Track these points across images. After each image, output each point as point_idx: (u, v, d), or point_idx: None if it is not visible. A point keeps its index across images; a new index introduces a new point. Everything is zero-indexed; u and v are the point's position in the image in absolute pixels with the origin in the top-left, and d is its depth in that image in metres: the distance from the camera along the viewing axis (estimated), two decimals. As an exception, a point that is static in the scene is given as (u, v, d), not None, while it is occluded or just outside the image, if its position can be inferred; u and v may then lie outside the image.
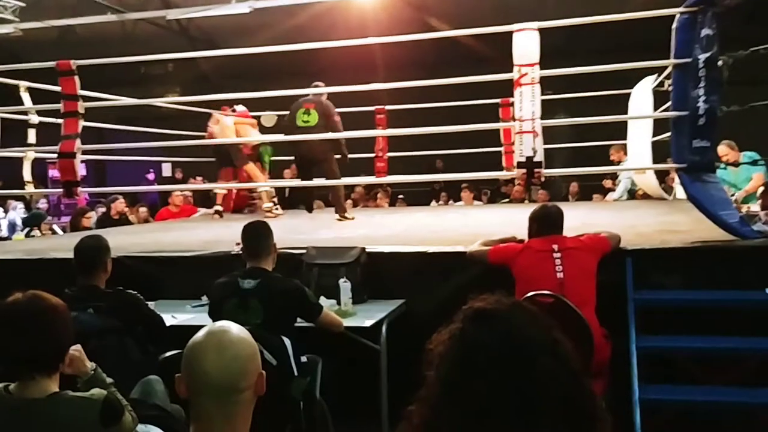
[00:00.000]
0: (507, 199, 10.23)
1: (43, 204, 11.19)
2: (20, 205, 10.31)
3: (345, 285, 3.77)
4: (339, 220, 6.86)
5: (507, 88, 4.57)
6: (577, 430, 1.29)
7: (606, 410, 1.36)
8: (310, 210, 7.71)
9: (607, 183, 10.00)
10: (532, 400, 1.27)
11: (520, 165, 4.36)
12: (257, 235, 3.36)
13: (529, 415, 1.26)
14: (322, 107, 6.76)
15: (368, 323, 3.56)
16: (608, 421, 1.34)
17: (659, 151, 6.29)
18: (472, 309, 1.37)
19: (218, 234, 5.56)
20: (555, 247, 3.53)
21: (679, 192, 6.54)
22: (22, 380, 1.99)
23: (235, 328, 1.59)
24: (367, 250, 4.18)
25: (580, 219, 5.40)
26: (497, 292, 1.40)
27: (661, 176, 8.09)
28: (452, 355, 1.35)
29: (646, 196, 8.45)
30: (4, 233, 8.53)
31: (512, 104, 4.77)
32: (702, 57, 3.94)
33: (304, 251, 4.22)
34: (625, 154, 8.28)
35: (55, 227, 9.44)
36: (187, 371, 1.53)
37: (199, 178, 11.77)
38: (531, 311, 1.39)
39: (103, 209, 9.46)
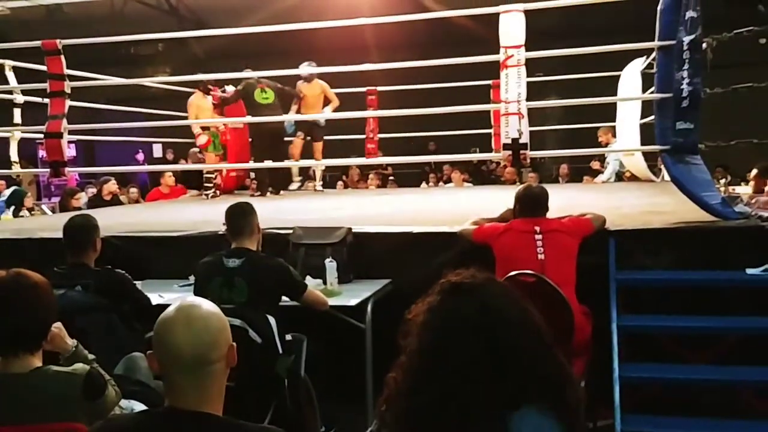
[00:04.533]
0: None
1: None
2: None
3: (331, 265, 3.80)
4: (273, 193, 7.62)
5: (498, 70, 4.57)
6: (547, 394, 1.35)
7: (577, 379, 1.43)
8: (264, 193, 7.67)
9: (595, 165, 10.05)
10: (504, 367, 1.33)
11: (505, 147, 4.39)
12: (240, 216, 3.37)
13: (502, 380, 1.33)
14: (275, 87, 7.50)
15: (354, 302, 3.59)
16: (577, 386, 1.40)
17: (648, 134, 6.33)
18: (449, 282, 1.43)
19: (206, 214, 5.58)
20: (537, 228, 3.56)
21: (667, 174, 6.58)
22: (5, 356, 2.02)
23: (205, 303, 1.62)
24: (353, 230, 4.20)
25: (567, 200, 5.44)
26: (471, 267, 1.45)
27: (651, 158, 8.13)
28: (430, 324, 1.42)
29: (633, 178, 8.49)
30: (-6, 213, 8.51)
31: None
32: (686, 39, 3.96)
33: (290, 231, 4.24)
34: (613, 136, 8.31)
35: (45, 207, 9.43)
36: (158, 346, 1.56)
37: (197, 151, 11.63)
38: (503, 285, 1.45)
39: (94, 190, 9.45)
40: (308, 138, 7.81)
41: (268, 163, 6.89)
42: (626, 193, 6.65)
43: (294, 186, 8.40)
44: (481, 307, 1.40)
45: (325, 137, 8.00)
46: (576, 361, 3.23)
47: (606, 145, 8.62)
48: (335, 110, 7.59)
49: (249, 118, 7.46)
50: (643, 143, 6.68)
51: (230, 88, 7.89)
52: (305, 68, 7.31)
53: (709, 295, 3.72)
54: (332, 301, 3.55)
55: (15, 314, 2.00)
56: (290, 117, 7.42)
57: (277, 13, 10.45)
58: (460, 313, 1.41)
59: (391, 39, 11.46)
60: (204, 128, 7.56)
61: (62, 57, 5.06)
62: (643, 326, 3.74)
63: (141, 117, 7.98)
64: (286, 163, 7.62)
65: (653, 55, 5.19)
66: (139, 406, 2.51)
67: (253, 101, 7.42)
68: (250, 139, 7.85)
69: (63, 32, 5.69)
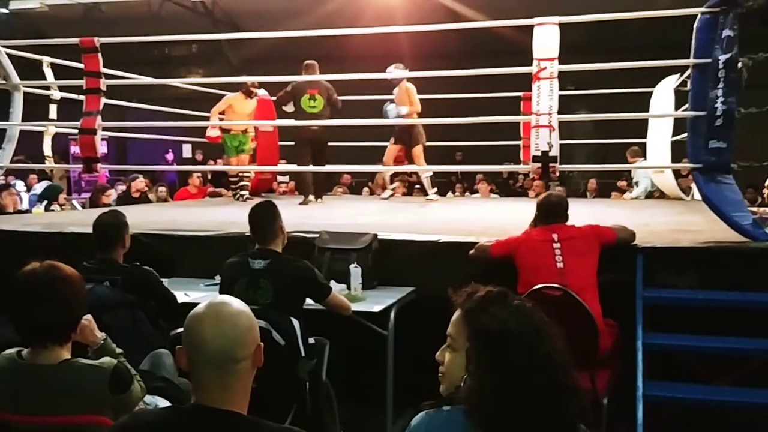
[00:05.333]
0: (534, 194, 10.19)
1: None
2: (46, 183, 10.40)
3: (356, 270, 3.81)
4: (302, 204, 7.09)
5: (530, 81, 4.55)
6: (552, 414, 1.34)
7: (583, 398, 1.41)
8: (306, 201, 7.29)
9: (621, 183, 10.00)
10: (509, 380, 1.32)
11: (535, 159, 4.38)
12: (263, 218, 3.38)
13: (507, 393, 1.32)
14: (327, 91, 7.04)
15: (377, 309, 3.59)
16: (584, 408, 1.39)
17: (679, 152, 6.28)
18: (462, 300, 1.44)
19: (234, 215, 5.62)
20: (555, 236, 3.56)
21: (697, 192, 6.53)
22: (35, 347, 2.05)
23: (235, 302, 1.64)
24: (379, 236, 4.21)
25: (594, 216, 5.39)
26: (489, 284, 1.46)
27: (680, 176, 8.06)
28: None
29: (663, 197, 8.42)
30: (25, 207, 8.64)
31: (533, 98, 4.76)
32: (722, 58, 3.92)
33: (316, 235, 4.27)
34: (636, 156, 8.30)
35: (75, 202, 9.57)
36: (187, 342, 1.58)
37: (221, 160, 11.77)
38: (514, 303, 1.45)
39: (123, 187, 9.58)
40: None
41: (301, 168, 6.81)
42: (655, 210, 6.59)
43: (386, 194, 8.15)
44: (490, 325, 1.41)
45: (354, 143, 7.99)
46: (600, 375, 3.21)
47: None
48: (408, 115, 7.30)
49: (279, 121, 7.43)
50: (673, 161, 6.63)
51: (262, 92, 7.92)
52: (391, 72, 7.06)
53: (736, 316, 3.68)
54: (356, 307, 3.56)
55: (46, 306, 2.03)
56: (332, 122, 7.08)
57: (313, 19, 10.55)
58: (471, 331, 1.42)
59: (423, 48, 11.48)
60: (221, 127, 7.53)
61: (99, 55, 5.13)
62: (669, 345, 3.70)
63: (172, 117, 8.06)
64: (281, 167, 7.58)
65: (687, 72, 5.16)
66: (163, 403, 2.53)
67: (298, 106, 7.09)
68: (293, 143, 7.76)
69: (99, 31, 5.79)
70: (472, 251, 3.88)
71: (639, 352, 3.50)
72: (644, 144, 7.86)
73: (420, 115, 7.53)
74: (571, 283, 3.29)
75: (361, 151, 7.82)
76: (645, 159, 8.22)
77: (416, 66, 7.51)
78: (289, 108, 7.69)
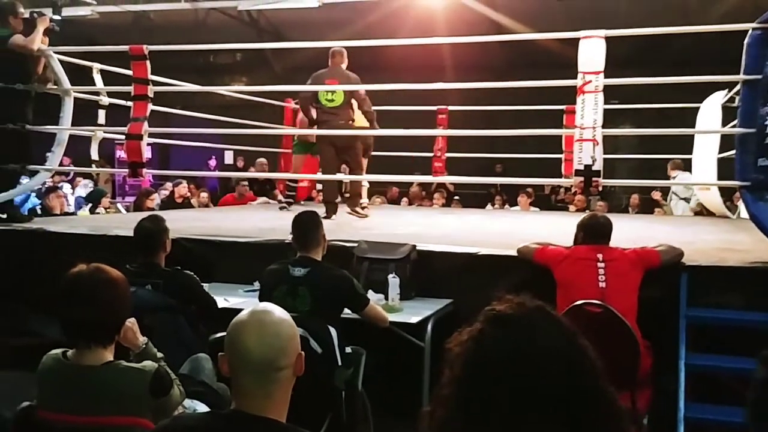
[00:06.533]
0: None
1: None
2: (90, 184, 10.64)
3: (394, 280, 3.81)
4: (350, 213, 6.35)
5: (574, 95, 4.52)
6: None
7: (632, 424, 1.35)
8: (330, 215, 6.19)
9: (656, 195, 9.87)
10: (539, 406, 1.26)
11: (577, 173, 4.33)
12: (306, 226, 3.41)
13: (535, 422, 1.26)
14: (348, 81, 6.11)
15: (414, 320, 3.59)
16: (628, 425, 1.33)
17: (725, 169, 6.16)
18: (493, 311, 1.37)
19: (275, 222, 5.67)
20: (600, 256, 3.50)
21: (744, 211, 6.39)
22: (80, 348, 2.09)
23: (277, 310, 1.65)
24: (417, 247, 4.20)
25: (637, 232, 5.32)
26: (522, 295, 1.39)
27: (727, 194, 7.91)
28: (466, 355, 1.35)
29: (701, 213, 8.29)
30: (71, 209, 8.84)
31: (577, 111, 4.71)
32: (773, 74, 3.84)
33: (355, 244, 4.27)
34: (680, 170, 8.18)
35: (120, 206, 9.75)
36: (229, 349, 1.59)
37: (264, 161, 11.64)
38: (553, 318, 1.37)
39: (167, 192, 9.74)
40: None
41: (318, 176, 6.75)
42: (700, 228, 6.46)
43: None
44: (520, 340, 1.34)
45: (392, 153, 7.96)
46: (640, 394, 3.16)
47: (674, 178, 8.49)
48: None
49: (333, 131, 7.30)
50: (720, 178, 6.50)
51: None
52: None
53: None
54: (393, 318, 3.55)
55: (91, 307, 2.06)
56: (361, 132, 6.86)
57: (354, 29, 10.61)
58: (497, 345, 1.35)
59: (465, 59, 11.47)
60: None
61: (148, 62, 5.23)
62: (712, 366, 3.62)
63: (215, 124, 8.16)
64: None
65: (736, 88, 5.07)
66: (201, 407, 2.56)
67: (317, 101, 6.12)
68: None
69: (147, 38, 5.89)
70: (519, 247, 3.89)
71: (681, 373, 3.43)
72: (689, 160, 7.74)
73: (460, 126, 7.49)
74: (611, 304, 3.24)
75: (397, 160, 7.83)
76: (684, 171, 8.11)
77: (458, 77, 7.51)
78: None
